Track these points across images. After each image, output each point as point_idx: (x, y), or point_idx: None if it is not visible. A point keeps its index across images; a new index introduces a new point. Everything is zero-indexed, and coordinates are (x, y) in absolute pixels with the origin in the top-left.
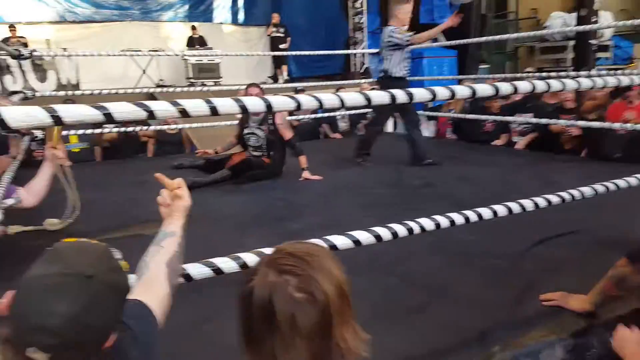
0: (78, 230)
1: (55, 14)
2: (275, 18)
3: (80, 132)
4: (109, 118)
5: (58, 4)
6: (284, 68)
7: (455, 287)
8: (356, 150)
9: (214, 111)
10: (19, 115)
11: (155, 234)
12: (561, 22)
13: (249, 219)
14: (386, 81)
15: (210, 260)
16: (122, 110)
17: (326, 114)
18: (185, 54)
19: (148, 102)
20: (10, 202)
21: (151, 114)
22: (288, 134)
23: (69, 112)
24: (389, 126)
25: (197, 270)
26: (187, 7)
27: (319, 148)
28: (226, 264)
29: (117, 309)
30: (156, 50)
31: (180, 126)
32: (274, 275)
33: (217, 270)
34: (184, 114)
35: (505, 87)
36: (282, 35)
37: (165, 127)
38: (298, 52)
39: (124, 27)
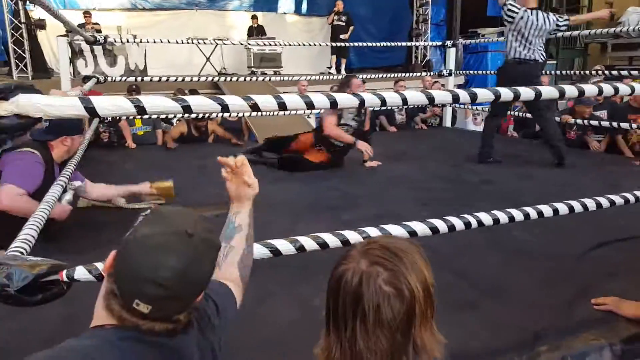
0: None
1: (126, 1)
2: (339, 5)
3: (146, 116)
4: (187, 110)
5: None
6: (343, 61)
7: (509, 286)
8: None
9: (282, 107)
10: (107, 105)
11: (217, 216)
12: (637, 17)
13: (303, 207)
14: (536, 69)
15: (269, 241)
16: (199, 103)
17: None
18: (250, 43)
19: (223, 97)
20: (77, 184)
21: (225, 108)
22: (368, 125)
23: (152, 103)
24: (448, 121)
25: (256, 250)
26: None
27: (375, 141)
28: (284, 246)
29: (212, 265)
30: (221, 39)
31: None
32: (365, 264)
33: (275, 252)
34: (255, 108)
35: (570, 90)
36: (343, 23)
37: (226, 114)
38: (359, 44)
39: (190, 15)
